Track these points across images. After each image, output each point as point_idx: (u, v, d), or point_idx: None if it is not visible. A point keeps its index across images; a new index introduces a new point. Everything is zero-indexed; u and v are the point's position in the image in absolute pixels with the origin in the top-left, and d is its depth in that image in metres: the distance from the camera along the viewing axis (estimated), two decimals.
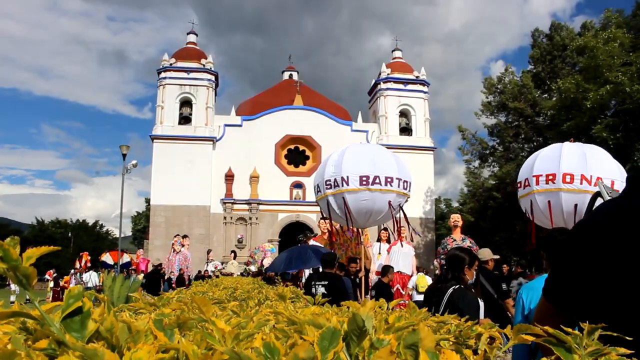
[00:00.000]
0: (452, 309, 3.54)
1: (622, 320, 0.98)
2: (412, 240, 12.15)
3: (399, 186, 9.03)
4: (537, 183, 7.78)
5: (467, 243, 9.12)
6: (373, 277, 10.34)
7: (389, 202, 8.95)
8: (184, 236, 17.03)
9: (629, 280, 1.04)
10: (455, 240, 9.56)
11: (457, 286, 3.83)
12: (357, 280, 8.95)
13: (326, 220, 10.23)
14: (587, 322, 0.81)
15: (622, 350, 0.76)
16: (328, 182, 8.96)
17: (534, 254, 3.29)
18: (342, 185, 8.81)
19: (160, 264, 15.87)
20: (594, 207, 1.34)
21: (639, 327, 0.98)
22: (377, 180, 8.80)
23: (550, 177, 7.63)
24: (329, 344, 0.60)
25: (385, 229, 11.64)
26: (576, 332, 0.78)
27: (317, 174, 9.72)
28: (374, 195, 8.84)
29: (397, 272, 10.53)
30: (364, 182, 8.75)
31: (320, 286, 6.34)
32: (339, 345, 0.60)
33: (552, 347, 0.76)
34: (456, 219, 9.93)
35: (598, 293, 1.10)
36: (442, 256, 9.17)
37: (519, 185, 8.33)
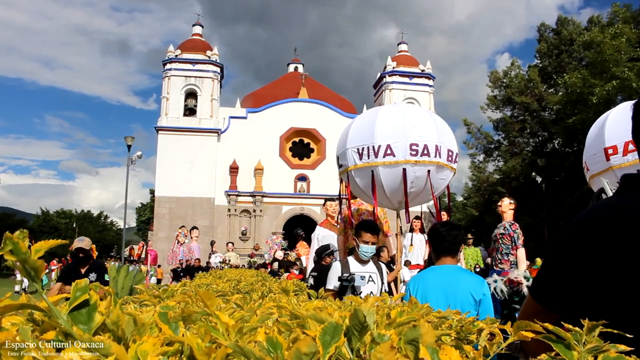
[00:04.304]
0: None
1: (617, 321, 0.98)
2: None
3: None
4: None
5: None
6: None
7: (447, 186, 7.18)
8: (193, 228, 16.78)
9: (624, 281, 1.05)
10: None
11: None
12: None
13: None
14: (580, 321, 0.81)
15: (622, 347, 0.76)
16: (414, 148, 6.35)
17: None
18: (435, 156, 6.41)
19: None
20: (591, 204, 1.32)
21: (635, 327, 0.98)
22: (457, 159, 6.95)
23: None
24: (331, 338, 0.61)
25: (418, 217, 9.65)
26: (576, 328, 0.79)
27: (381, 132, 6.51)
28: (449, 175, 6.87)
29: None
30: (449, 159, 6.67)
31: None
32: (341, 340, 0.61)
33: (551, 343, 0.76)
34: (499, 204, 7.07)
35: (592, 293, 1.09)
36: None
37: (611, 151, 5.74)
